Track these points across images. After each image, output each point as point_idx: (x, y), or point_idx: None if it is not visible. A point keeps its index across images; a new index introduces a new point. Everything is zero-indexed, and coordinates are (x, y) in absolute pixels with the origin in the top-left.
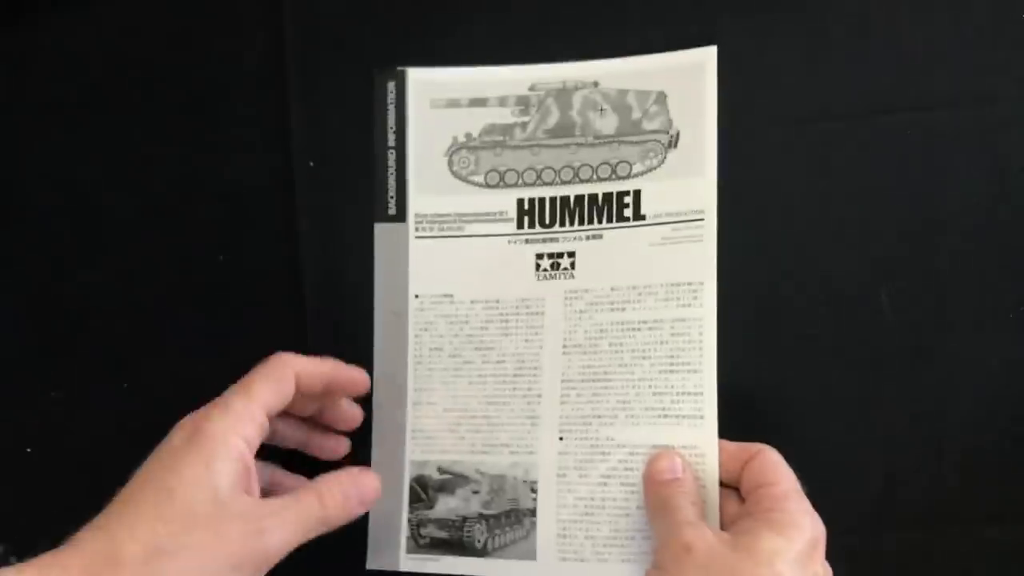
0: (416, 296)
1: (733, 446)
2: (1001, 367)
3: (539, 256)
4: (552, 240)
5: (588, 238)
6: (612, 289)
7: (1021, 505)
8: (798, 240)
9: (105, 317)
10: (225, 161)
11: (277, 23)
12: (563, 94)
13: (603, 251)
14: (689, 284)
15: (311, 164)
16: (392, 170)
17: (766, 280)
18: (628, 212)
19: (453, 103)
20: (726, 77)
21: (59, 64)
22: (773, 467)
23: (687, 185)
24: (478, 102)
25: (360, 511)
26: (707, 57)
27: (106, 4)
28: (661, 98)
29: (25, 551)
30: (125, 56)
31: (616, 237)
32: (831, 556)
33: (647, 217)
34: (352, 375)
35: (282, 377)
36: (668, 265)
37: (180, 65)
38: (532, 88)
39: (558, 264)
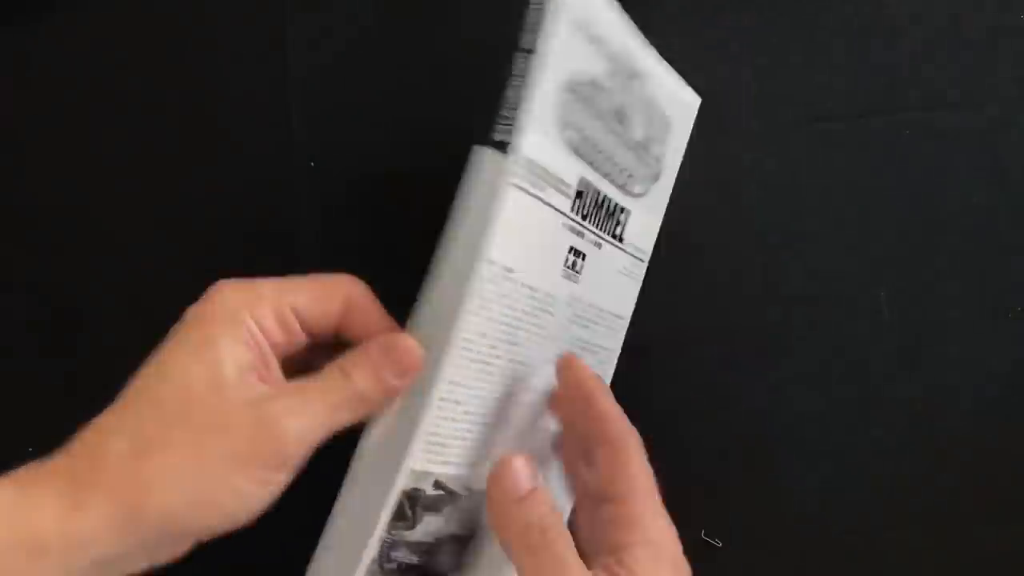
0: (491, 262)
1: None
2: (1001, 367)
3: (570, 250)
4: (579, 234)
5: (595, 244)
6: (589, 305)
7: (1021, 505)
8: (798, 240)
9: (105, 317)
10: (225, 161)
11: (279, 23)
12: (635, 78)
13: (598, 263)
14: (619, 317)
15: (311, 164)
16: (519, 80)
17: (766, 280)
18: (619, 230)
19: (594, 39)
20: (728, 76)
21: (59, 64)
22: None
23: (650, 224)
24: (596, 39)
25: (398, 383)
26: (692, 102)
27: (106, 4)
28: (666, 125)
29: None
30: (125, 56)
31: (608, 253)
32: (831, 556)
33: (624, 241)
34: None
35: (325, 290)
36: (617, 295)
37: (180, 65)
38: (623, 51)
39: (575, 264)
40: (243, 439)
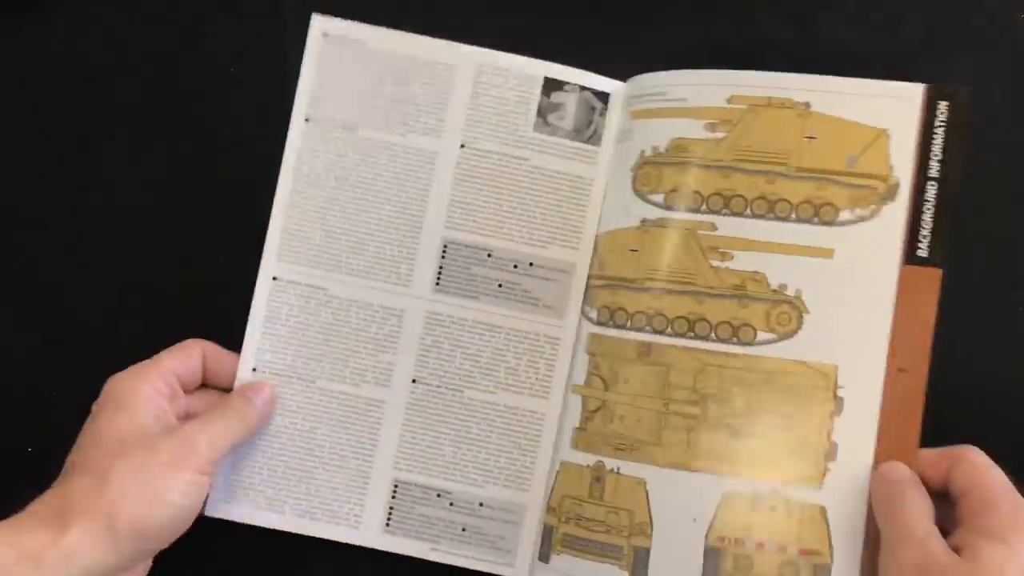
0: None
1: (933, 452)
2: (1003, 366)
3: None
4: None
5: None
6: None
7: None
8: None
9: (105, 317)
10: (225, 160)
11: (278, 22)
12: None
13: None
14: None
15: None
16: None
17: None
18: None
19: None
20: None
21: (59, 64)
22: (975, 470)
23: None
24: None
25: (259, 404)
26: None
27: (106, 4)
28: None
29: None
30: (125, 55)
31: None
32: None
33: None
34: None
35: (188, 352)
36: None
37: (180, 64)
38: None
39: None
40: (172, 452)
